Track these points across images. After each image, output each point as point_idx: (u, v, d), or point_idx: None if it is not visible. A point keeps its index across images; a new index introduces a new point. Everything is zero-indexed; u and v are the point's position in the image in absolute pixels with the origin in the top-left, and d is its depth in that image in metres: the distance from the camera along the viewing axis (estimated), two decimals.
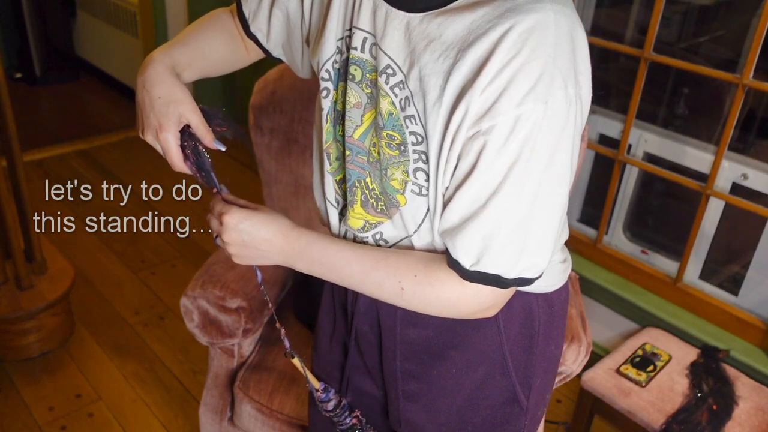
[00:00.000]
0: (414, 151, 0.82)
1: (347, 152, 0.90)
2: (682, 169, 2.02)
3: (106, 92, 4.32)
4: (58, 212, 2.81)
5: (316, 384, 1.05)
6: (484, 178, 0.75)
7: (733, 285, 2.02)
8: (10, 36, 4.30)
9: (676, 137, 2.05)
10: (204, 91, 3.80)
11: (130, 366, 2.27)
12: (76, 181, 3.50)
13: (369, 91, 0.85)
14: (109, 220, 3.24)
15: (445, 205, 0.82)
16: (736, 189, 1.91)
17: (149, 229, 3.13)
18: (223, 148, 0.88)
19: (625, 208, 2.19)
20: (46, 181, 3.36)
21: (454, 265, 0.81)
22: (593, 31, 2.17)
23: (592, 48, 2.20)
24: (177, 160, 0.87)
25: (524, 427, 1.03)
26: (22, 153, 2.15)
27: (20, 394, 2.14)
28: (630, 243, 2.19)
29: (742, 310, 1.96)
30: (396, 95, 0.81)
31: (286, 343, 1.00)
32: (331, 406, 1.04)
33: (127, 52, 3.94)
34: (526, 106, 0.72)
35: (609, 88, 2.27)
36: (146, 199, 3.49)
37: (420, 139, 0.81)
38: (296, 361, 1.01)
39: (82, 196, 3.42)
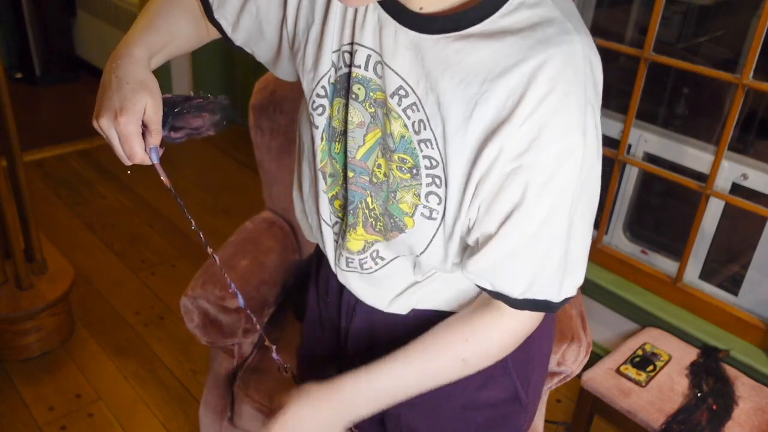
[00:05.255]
0: (427, 175, 0.80)
1: (350, 173, 0.87)
2: (682, 169, 2.01)
3: None
4: (58, 212, 2.81)
5: None
6: (531, 215, 0.76)
7: (733, 285, 2.02)
8: (10, 36, 4.30)
9: (676, 137, 2.04)
10: (204, 89, 3.79)
11: (130, 366, 2.27)
12: (75, 181, 3.51)
13: (372, 110, 0.82)
14: (109, 219, 3.25)
15: (477, 239, 0.81)
16: (736, 189, 1.91)
17: (149, 228, 3.15)
18: (152, 162, 0.80)
19: (625, 208, 2.19)
20: (47, 181, 3.36)
21: (501, 297, 0.83)
22: (593, 31, 2.15)
23: None
24: (138, 148, 0.78)
25: (525, 422, 1.05)
26: (22, 153, 2.15)
27: (20, 394, 2.14)
28: (630, 243, 2.19)
29: (742, 310, 1.96)
30: (408, 117, 0.79)
31: (275, 357, 0.96)
32: None
33: None
34: (569, 140, 0.73)
35: (609, 88, 2.26)
36: (146, 199, 3.50)
37: (435, 163, 0.79)
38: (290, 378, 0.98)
39: (82, 196, 3.43)
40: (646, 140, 2.06)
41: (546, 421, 1.62)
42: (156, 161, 0.80)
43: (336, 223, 0.94)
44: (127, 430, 2.04)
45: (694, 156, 1.98)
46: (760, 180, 1.86)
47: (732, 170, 1.89)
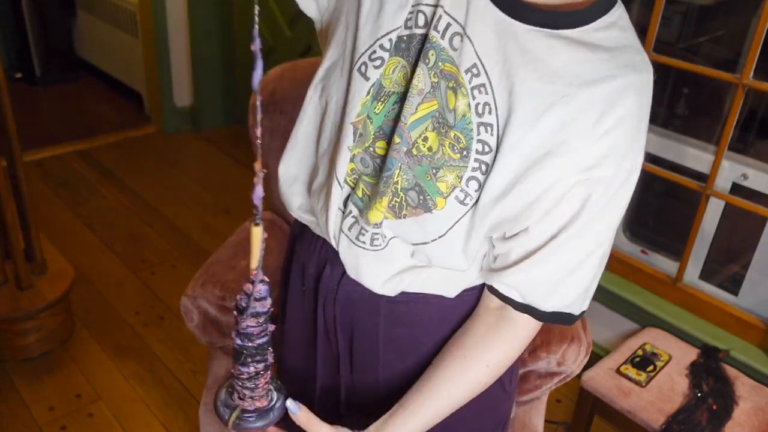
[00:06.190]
0: (475, 160, 0.78)
1: (396, 139, 0.80)
2: (682, 169, 2.01)
3: (106, 92, 4.32)
4: (58, 212, 2.80)
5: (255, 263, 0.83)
6: (586, 228, 0.78)
7: (733, 285, 2.02)
8: (10, 36, 4.30)
9: (676, 137, 2.04)
10: (204, 89, 3.79)
11: (130, 366, 2.27)
12: (76, 181, 3.51)
13: (436, 80, 0.78)
14: (109, 219, 3.25)
15: (514, 249, 0.82)
16: (736, 189, 1.91)
17: (149, 228, 3.14)
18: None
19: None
20: (47, 181, 3.36)
21: (528, 309, 0.84)
22: None
23: None
24: None
25: (508, 410, 1.09)
26: (22, 153, 2.15)
27: (20, 394, 2.14)
28: (630, 243, 2.19)
29: (742, 310, 1.96)
30: (474, 97, 0.76)
31: (258, 204, 0.77)
32: (266, 307, 0.81)
33: (127, 52, 3.94)
34: (636, 160, 0.78)
35: None
36: (146, 199, 3.49)
37: (488, 149, 0.77)
38: (257, 230, 0.79)
39: (82, 196, 3.43)
40: (647, 140, 2.06)
41: (546, 421, 1.61)
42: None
43: (345, 187, 0.87)
44: (127, 430, 2.04)
45: (694, 156, 1.98)
46: (760, 180, 1.86)
47: (732, 170, 1.89)
